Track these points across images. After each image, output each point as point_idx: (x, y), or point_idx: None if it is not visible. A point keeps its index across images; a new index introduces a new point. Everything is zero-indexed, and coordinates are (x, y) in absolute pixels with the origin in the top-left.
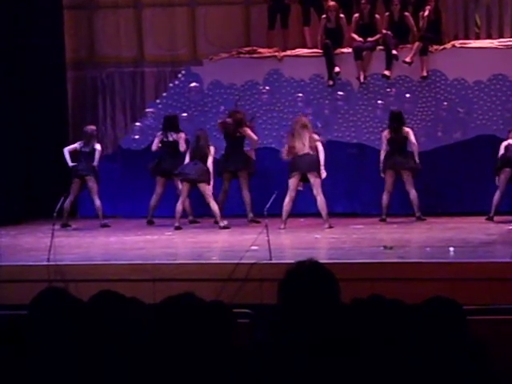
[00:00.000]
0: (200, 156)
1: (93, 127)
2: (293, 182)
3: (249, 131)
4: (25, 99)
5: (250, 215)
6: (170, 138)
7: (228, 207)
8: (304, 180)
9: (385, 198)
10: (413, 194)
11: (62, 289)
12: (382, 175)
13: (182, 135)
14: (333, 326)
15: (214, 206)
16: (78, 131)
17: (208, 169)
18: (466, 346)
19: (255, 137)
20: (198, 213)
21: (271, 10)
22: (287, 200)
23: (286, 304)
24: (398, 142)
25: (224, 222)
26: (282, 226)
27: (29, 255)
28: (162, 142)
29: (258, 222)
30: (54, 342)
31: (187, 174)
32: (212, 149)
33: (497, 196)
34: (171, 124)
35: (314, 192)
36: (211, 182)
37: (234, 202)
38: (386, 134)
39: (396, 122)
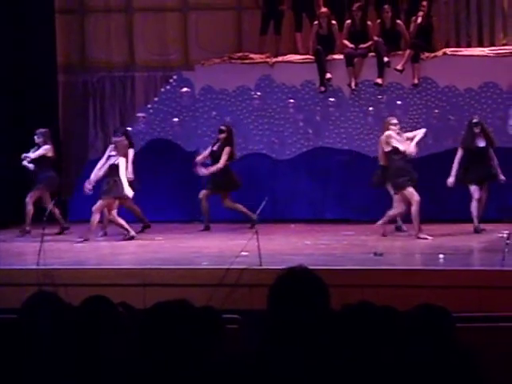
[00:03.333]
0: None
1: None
2: None
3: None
4: (15, 103)
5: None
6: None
7: (218, 212)
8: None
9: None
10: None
11: (51, 293)
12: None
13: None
14: (322, 333)
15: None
16: (68, 135)
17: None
18: (454, 353)
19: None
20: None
21: (265, 16)
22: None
23: (276, 310)
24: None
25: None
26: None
27: (19, 259)
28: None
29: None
30: (44, 345)
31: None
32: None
33: None
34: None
35: None
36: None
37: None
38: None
39: None
